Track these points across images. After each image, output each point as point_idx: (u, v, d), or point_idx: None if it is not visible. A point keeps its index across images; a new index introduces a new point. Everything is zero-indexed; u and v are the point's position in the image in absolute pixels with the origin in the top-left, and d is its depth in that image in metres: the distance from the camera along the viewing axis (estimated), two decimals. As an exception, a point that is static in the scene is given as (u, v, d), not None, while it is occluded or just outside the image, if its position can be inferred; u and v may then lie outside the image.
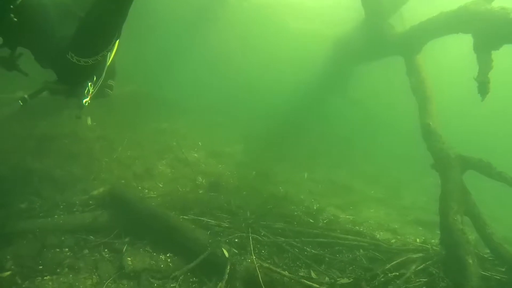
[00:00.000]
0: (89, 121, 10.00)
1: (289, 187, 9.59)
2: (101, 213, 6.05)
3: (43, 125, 9.36)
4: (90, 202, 6.59)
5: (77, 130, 9.80)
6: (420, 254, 5.96)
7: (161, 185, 8.06)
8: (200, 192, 7.82)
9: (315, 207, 8.28)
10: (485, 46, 6.09)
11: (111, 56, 4.73)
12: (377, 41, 8.60)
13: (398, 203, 10.94)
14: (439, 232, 6.03)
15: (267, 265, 4.54)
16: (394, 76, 10.54)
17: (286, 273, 4.46)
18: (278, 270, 4.52)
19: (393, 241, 7.26)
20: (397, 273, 5.25)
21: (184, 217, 5.65)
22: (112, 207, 6.23)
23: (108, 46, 3.40)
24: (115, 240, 5.64)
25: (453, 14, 6.75)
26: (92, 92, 4.67)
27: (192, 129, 12.14)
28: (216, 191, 7.70)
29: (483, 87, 6.02)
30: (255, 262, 4.51)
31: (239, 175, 9.36)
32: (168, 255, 5.31)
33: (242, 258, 4.62)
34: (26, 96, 4.19)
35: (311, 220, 6.88)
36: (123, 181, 7.90)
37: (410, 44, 7.51)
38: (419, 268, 5.53)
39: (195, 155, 9.93)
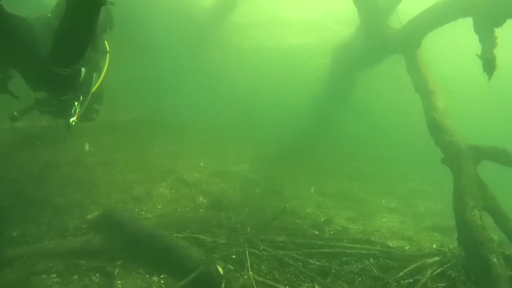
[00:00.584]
0: (87, 147, 9.97)
1: (296, 202, 9.18)
2: (93, 237, 5.77)
3: (46, 153, 9.29)
4: (83, 226, 6.34)
5: (80, 157, 9.68)
6: (437, 258, 5.40)
7: (159, 207, 7.76)
8: (201, 211, 7.48)
9: (322, 220, 7.83)
10: (487, 25, 5.74)
11: (98, 81, 4.93)
12: (375, 42, 8.31)
13: (413, 211, 10.34)
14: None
15: (264, 280, 4.13)
16: (399, 80, 10.27)
17: (285, 288, 4.04)
18: (277, 285, 4.11)
19: (407, 248, 6.76)
20: (411, 280, 4.76)
21: (178, 235, 5.29)
22: (105, 229, 5.95)
23: (81, 57, 3.69)
24: (107, 263, 5.33)
25: (450, 1, 6.42)
26: (79, 111, 4.64)
27: (197, 151, 11.90)
28: (216, 209, 7.36)
29: (489, 64, 5.62)
30: (252, 278, 4.12)
31: (243, 193, 9.00)
32: (161, 276, 4.95)
33: (239, 274, 4.23)
34: (15, 113, 4.29)
35: (317, 232, 6.43)
36: (120, 205, 7.64)
37: (408, 39, 7.13)
38: (436, 272, 4.99)
39: (196, 175, 9.62)
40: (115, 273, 5.10)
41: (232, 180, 9.68)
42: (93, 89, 4.91)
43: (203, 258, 4.52)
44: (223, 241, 5.18)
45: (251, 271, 4.32)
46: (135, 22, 11.83)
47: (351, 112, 13.69)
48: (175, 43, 13.21)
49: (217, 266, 4.37)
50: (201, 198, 8.42)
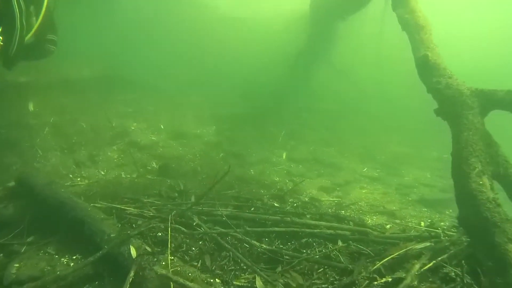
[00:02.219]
0: (31, 107, 8.82)
1: (264, 168, 8.25)
2: (4, 206, 4.80)
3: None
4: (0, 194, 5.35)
5: (22, 118, 8.57)
6: (427, 244, 3.97)
7: (102, 173, 6.78)
8: (148, 177, 6.51)
9: (289, 187, 6.93)
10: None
11: (41, 10, 4.66)
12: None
13: (397, 182, 9.38)
14: (452, 211, 4.26)
15: (187, 269, 3.20)
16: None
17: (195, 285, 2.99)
18: (202, 276, 3.18)
19: (388, 226, 5.67)
20: (390, 278, 3.38)
21: (96, 205, 4.31)
22: (21, 198, 4.96)
23: None
24: (15, 240, 4.37)
25: None
26: (12, 47, 4.31)
27: (157, 112, 10.79)
28: (165, 175, 6.38)
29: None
30: (169, 266, 3.18)
31: (203, 157, 8.02)
32: (74, 257, 4.01)
33: (155, 259, 3.29)
34: None
35: (276, 204, 5.48)
36: (58, 170, 6.64)
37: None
38: (426, 267, 3.50)
39: (153, 138, 8.59)
40: (22, 252, 4.17)
41: (192, 144, 8.68)
42: (38, 21, 4.64)
43: (113, 235, 3.55)
44: (151, 213, 4.21)
45: (173, 256, 3.37)
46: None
47: (331, 69, 12.56)
48: None
49: (131, 246, 3.41)
50: (154, 164, 7.46)
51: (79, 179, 6.23)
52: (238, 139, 9.59)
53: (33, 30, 4.67)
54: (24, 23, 4.46)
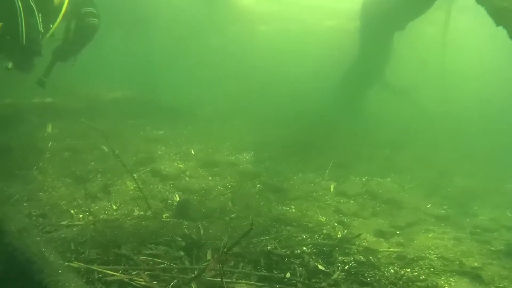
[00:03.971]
0: (49, 129, 8.08)
1: (308, 205, 6.84)
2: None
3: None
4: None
5: (38, 141, 7.87)
6: None
7: (114, 207, 5.72)
8: (165, 216, 5.34)
9: (338, 235, 5.48)
10: None
11: None
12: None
13: (471, 223, 7.48)
14: None
15: None
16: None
17: None
18: None
19: None
20: None
21: (72, 265, 3.14)
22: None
23: None
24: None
25: None
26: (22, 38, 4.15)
27: (192, 136, 9.80)
28: (183, 215, 5.16)
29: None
30: None
31: (236, 190, 6.77)
32: None
33: None
34: None
35: (321, 267, 4.01)
36: (64, 202, 5.66)
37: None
38: None
39: (180, 165, 7.49)
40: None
41: (225, 173, 7.47)
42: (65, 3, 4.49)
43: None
44: (142, 283, 2.96)
45: None
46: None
47: (386, 89, 11.03)
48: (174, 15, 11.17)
49: None
50: (176, 197, 6.30)
51: (81, 215, 5.18)
52: (279, 169, 8.29)
53: (62, 13, 4.45)
54: (33, 5, 4.12)
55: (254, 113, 12.58)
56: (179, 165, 7.48)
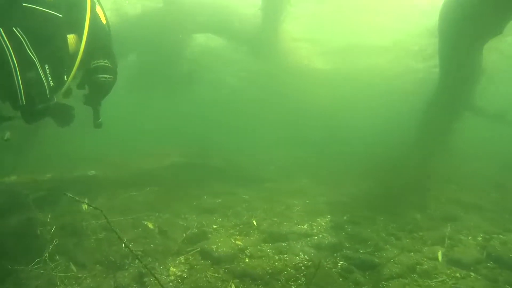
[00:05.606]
0: (85, 206, 6.95)
1: (412, 286, 4.76)
2: None
3: (41, 215, 6.66)
4: None
5: (77, 219, 6.76)
6: None
7: (147, 307, 4.10)
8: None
9: None
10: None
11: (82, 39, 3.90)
12: None
13: None
14: None
15: None
16: None
17: None
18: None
19: None
20: None
21: None
22: None
23: None
24: None
25: None
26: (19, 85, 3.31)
27: (254, 202, 8.23)
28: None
29: None
30: None
31: (312, 272, 4.90)
32: None
33: None
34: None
35: None
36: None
37: None
38: None
39: (239, 242, 5.81)
40: None
41: (295, 249, 5.66)
42: (81, 50, 3.88)
43: None
44: None
45: None
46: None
47: (479, 116, 8.80)
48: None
49: None
50: (233, 286, 4.59)
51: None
52: (365, 235, 6.31)
53: (77, 62, 3.87)
54: (32, 54, 3.41)
55: (322, 166, 10.84)
56: (237, 241, 5.82)
